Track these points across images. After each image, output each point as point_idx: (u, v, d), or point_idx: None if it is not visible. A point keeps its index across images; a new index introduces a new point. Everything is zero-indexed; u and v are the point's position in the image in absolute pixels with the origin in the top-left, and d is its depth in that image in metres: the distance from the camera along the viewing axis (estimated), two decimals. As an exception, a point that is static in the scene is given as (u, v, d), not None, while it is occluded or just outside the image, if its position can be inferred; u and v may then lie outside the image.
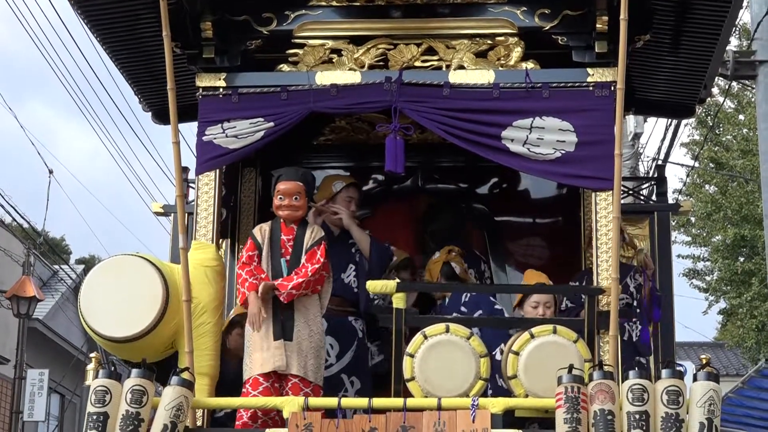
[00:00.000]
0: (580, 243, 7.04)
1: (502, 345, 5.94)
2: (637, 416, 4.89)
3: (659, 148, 15.20)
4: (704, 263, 20.18)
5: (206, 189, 6.14)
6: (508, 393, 5.55)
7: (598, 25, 6.03)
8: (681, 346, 24.14)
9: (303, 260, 5.87)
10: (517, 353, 5.48)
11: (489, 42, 6.27)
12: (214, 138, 6.09)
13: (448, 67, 6.23)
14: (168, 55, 5.62)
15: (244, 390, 5.75)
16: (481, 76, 6.14)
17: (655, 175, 8.88)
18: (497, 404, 5.20)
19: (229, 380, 5.87)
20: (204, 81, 6.25)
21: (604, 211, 5.89)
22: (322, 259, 5.83)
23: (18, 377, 18.49)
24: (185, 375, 5.26)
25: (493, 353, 5.88)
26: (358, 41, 6.33)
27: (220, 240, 6.47)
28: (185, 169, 7.42)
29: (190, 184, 7.38)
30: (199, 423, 5.66)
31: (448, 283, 6.81)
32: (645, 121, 16.69)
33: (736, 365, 24.73)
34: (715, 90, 16.86)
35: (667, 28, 6.34)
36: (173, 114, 5.68)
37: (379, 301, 6.45)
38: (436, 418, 5.10)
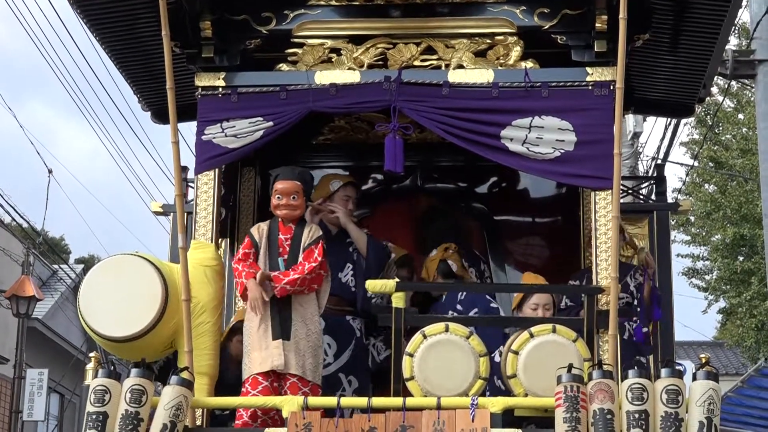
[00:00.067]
0: (580, 242, 7.03)
1: (501, 347, 5.95)
2: (637, 415, 4.89)
3: (658, 148, 15.20)
4: (703, 262, 20.16)
5: (205, 188, 6.14)
6: (505, 393, 5.55)
7: (597, 25, 6.03)
8: (680, 346, 24.16)
9: (300, 259, 5.87)
10: (516, 352, 5.48)
11: (488, 41, 6.27)
12: (214, 137, 6.09)
13: (447, 66, 6.23)
14: (167, 54, 5.62)
15: (243, 389, 5.75)
16: (480, 75, 6.14)
17: (655, 175, 8.86)
18: (497, 403, 5.20)
19: (230, 386, 5.86)
20: (203, 80, 6.25)
21: (603, 210, 5.90)
22: (319, 258, 5.83)
23: (17, 377, 18.49)
24: (184, 374, 5.26)
25: (492, 355, 5.88)
26: (357, 40, 6.34)
27: (220, 239, 6.48)
28: (184, 169, 7.43)
29: (190, 184, 7.39)
30: (198, 422, 5.66)
31: (448, 283, 6.81)
32: (644, 120, 16.70)
33: (736, 364, 24.73)
34: (714, 89, 16.85)
35: (666, 27, 6.34)
36: (172, 113, 5.67)
37: (376, 299, 6.45)
38: (435, 418, 5.10)
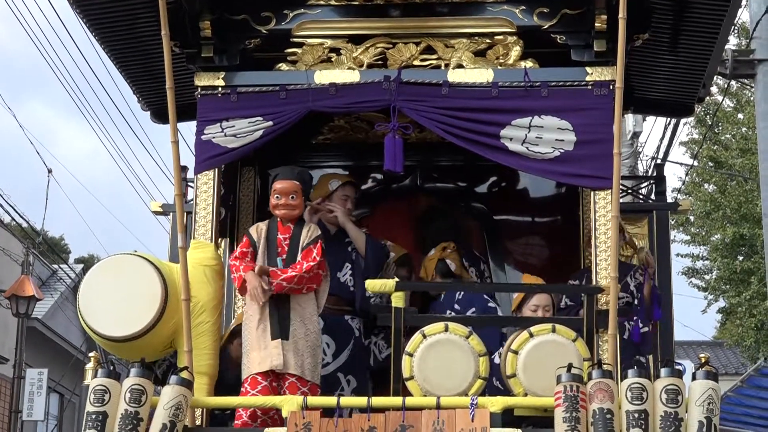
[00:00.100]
0: (579, 242, 7.03)
1: (501, 348, 5.95)
2: (636, 415, 4.89)
3: (658, 147, 15.22)
4: (703, 262, 20.16)
5: (205, 188, 6.14)
6: (503, 394, 5.55)
7: (596, 24, 6.03)
8: (680, 345, 24.17)
9: (299, 259, 5.86)
10: (516, 352, 5.48)
11: (488, 41, 6.27)
12: (213, 137, 6.09)
13: (446, 66, 6.23)
14: (167, 54, 5.62)
15: (242, 389, 5.75)
16: (479, 75, 6.14)
17: (654, 174, 8.86)
18: (496, 403, 5.19)
19: (231, 388, 5.86)
20: (203, 80, 6.25)
21: (603, 210, 5.89)
22: (318, 258, 5.82)
23: (17, 377, 18.49)
24: (184, 374, 5.25)
25: (492, 357, 5.88)
26: (356, 40, 6.34)
27: (219, 239, 6.47)
28: (184, 168, 7.43)
29: (189, 183, 7.39)
30: (198, 422, 5.66)
31: (447, 282, 6.81)
32: (644, 119, 16.72)
33: (735, 364, 24.74)
34: (714, 89, 16.86)
35: (665, 27, 6.34)
36: (172, 113, 5.67)
37: (375, 299, 6.45)
38: (435, 417, 5.10)
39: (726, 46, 8.72)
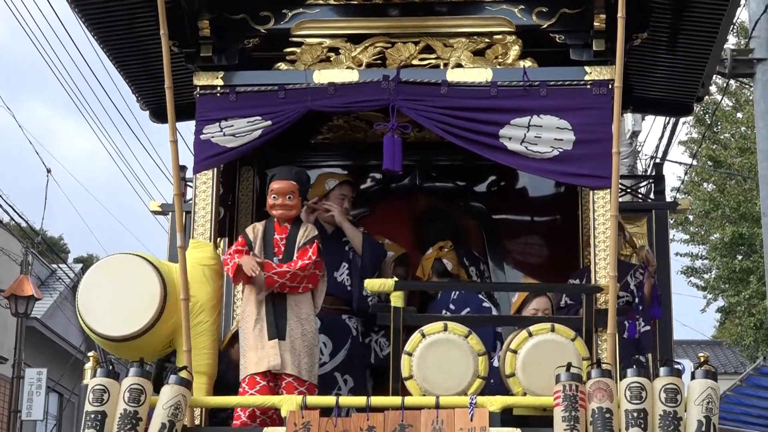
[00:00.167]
0: (579, 241, 7.03)
1: (499, 349, 5.95)
2: (635, 414, 4.89)
3: (657, 146, 15.25)
4: (702, 261, 20.17)
5: (204, 188, 6.13)
6: (501, 393, 5.54)
7: (595, 23, 6.03)
8: (679, 344, 24.17)
9: (295, 258, 5.86)
10: (515, 351, 5.48)
11: (487, 40, 6.27)
12: (212, 136, 6.09)
13: (445, 65, 6.22)
14: (165, 53, 5.62)
15: (241, 389, 5.74)
16: (478, 74, 6.13)
17: (653, 173, 8.85)
18: (495, 402, 5.20)
19: (231, 390, 5.85)
20: (201, 79, 6.24)
21: (602, 209, 5.89)
22: (313, 257, 5.81)
23: (16, 376, 18.49)
24: (183, 374, 5.25)
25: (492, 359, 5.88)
26: (355, 39, 6.33)
27: (218, 239, 6.46)
28: (183, 168, 7.42)
29: (188, 183, 7.38)
30: (197, 422, 5.65)
31: (446, 282, 6.81)
32: (643, 119, 16.70)
33: (735, 363, 24.74)
34: (713, 88, 16.90)
35: (664, 26, 6.33)
36: (171, 112, 5.67)
37: (372, 298, 6.44)
38: (434, 417, 5.10)
39: (725, 46, 8.72)
